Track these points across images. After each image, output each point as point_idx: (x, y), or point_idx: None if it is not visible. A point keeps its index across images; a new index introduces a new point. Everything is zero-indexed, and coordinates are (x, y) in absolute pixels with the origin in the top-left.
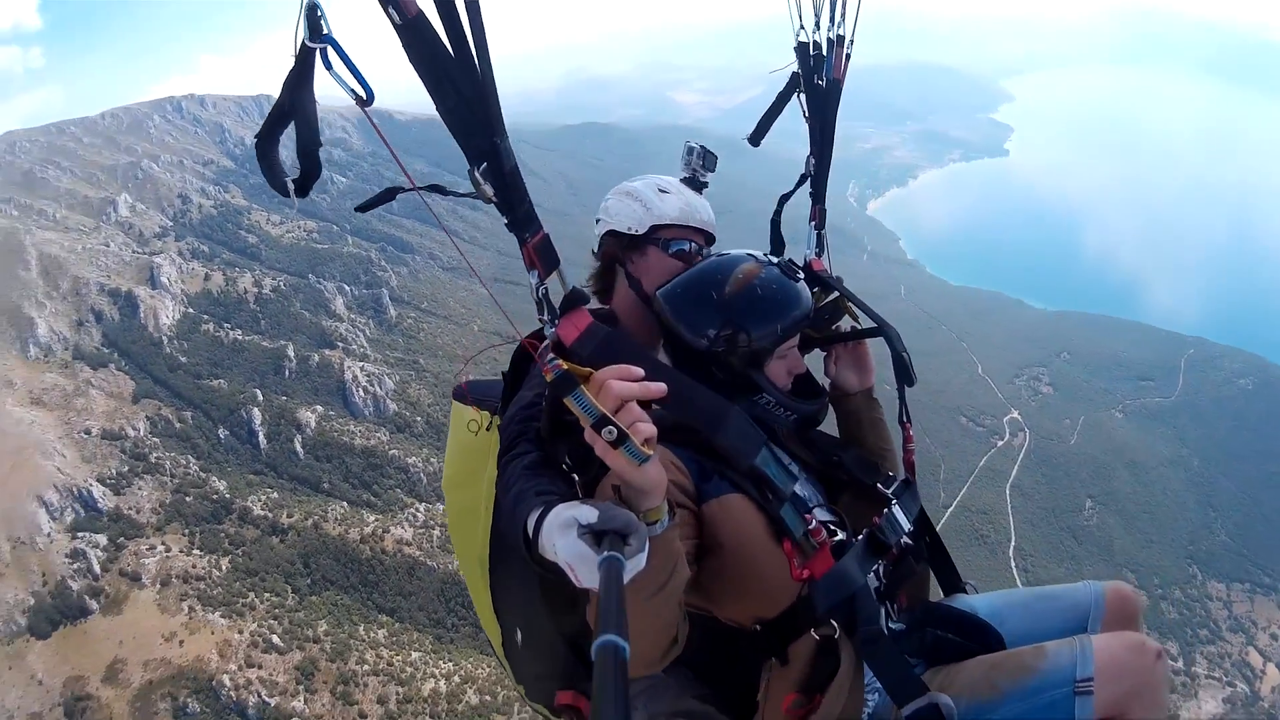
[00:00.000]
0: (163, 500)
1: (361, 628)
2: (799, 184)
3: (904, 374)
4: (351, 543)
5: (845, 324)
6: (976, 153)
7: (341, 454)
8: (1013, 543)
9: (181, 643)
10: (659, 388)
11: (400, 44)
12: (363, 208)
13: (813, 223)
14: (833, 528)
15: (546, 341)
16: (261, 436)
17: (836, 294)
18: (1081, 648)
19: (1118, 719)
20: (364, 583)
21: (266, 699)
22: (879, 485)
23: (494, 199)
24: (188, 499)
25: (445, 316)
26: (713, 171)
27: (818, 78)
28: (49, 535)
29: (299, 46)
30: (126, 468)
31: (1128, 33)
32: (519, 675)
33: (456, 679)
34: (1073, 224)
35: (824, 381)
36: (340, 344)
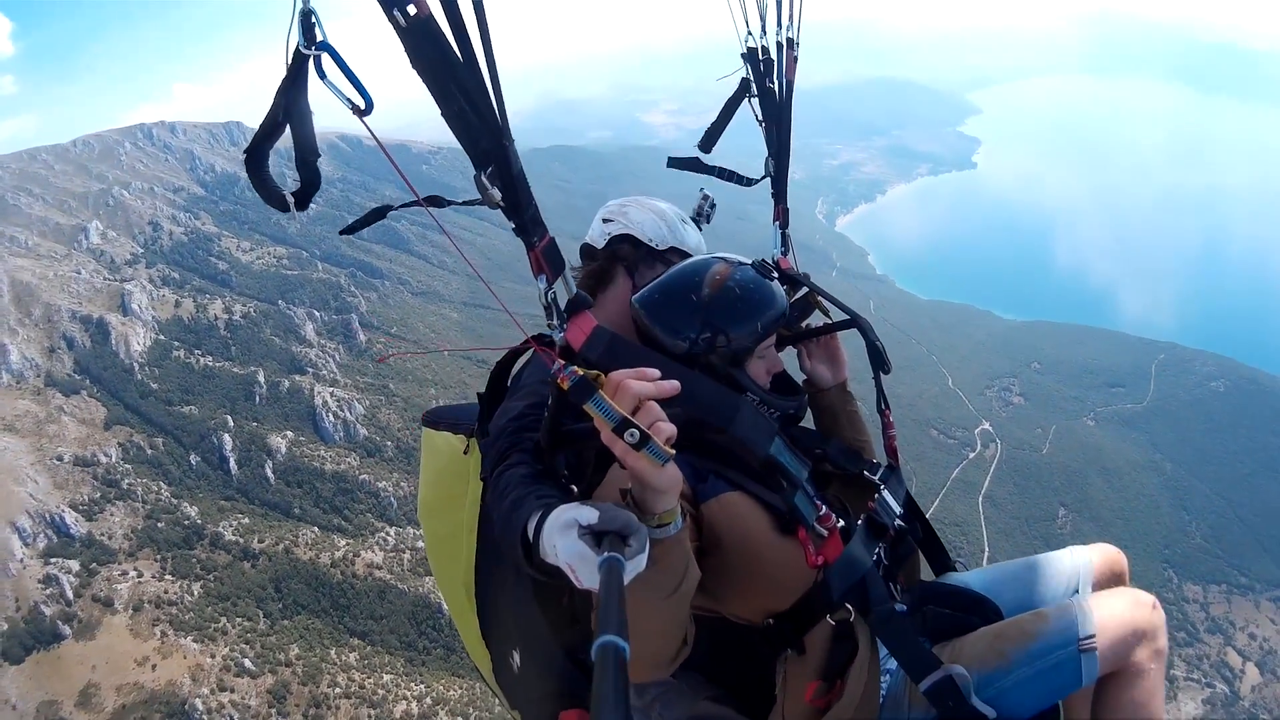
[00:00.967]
0: (135, 526)
1: (333, 651)
2: (752, 182)
3: (880, 362)
4: (323, 567)
5: (815, 320)
6: (944, 166)
7: (312, 479)
8: (986, 554)
9: (154, 667)
10: (673, 385)
11: (404, 48)
12: (350, 229)
13: (777, 222)
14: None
15: (556, 347)
16: (232, 462)
17: (806, 290)
18: (1080, 608)
19: (1124, 670)
20: (335, 606)
21: None
22: (865, 472)
23: (500, 203)
24: (159, 525)
25: (415, 341)
26: (709, 221)
27: (769, 81)
28: (22, 561)
29: (292, 54)
30: (99, 494)
31: (1094, 42)
32: (514, 701)
33: (429, 701)
34: (1042, 234)
35: (799, 378)
36: (310, 369)
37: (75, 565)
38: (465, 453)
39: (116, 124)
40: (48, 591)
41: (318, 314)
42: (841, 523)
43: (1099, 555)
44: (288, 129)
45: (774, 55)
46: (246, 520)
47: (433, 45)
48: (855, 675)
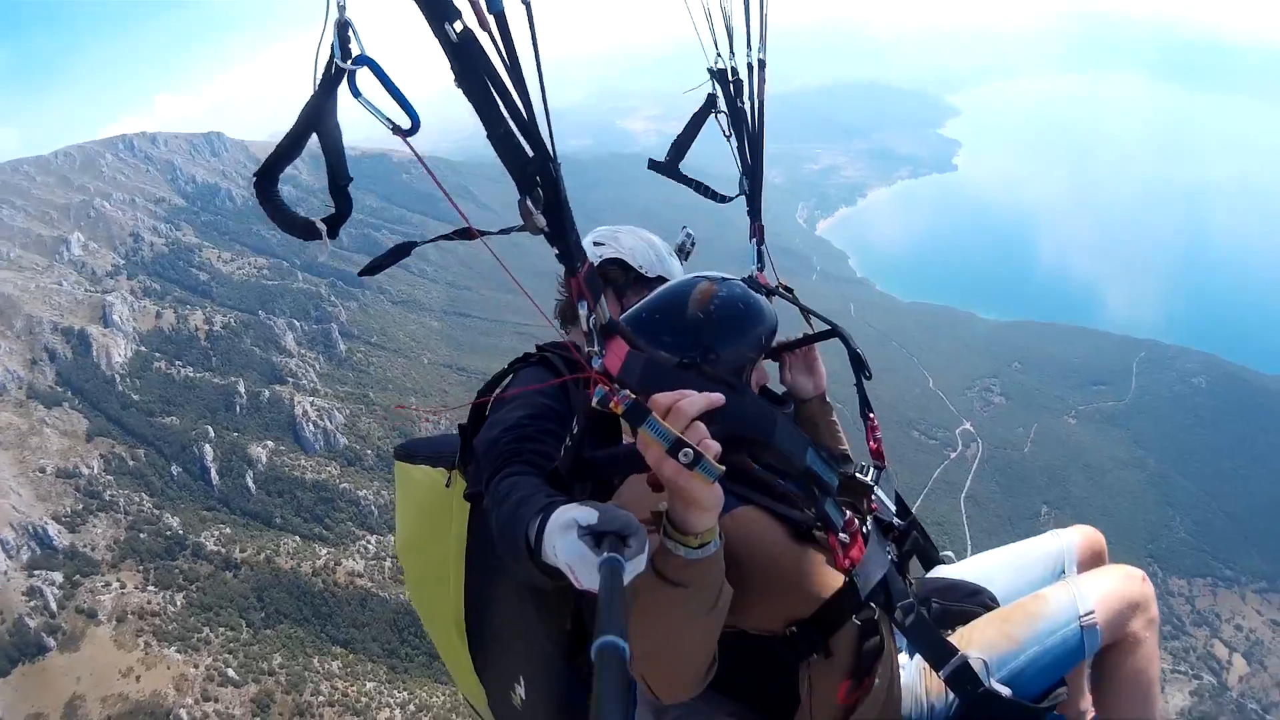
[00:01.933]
0: (117, 537)
1: (316, 659)
2: (727, 199)
3: (861, 368)
4: (304, 576)
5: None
6: (925, 168)
7: (293, 488)
8: (969, 553)
9: (139, 678)
10: (719, 397)
11: (453, 65)
12: (371, 270)
13: (753, 239)
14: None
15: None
16: (213, 473)
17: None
18: (1077, 587)
19: (1121, 640)
20: (317, 615)
21: None
22: (856, 475)
23: (545, 229)
24: (142, 535)
25: (395, 350)
26: (686, 260)
27: (739, 101)
28: (5, 573)
29: (325, 68)
30: (81, 505)
31: (1073, 40)
32: None
33: (412, 708)
34: (1024, 234)
35: (779, 390)
36: (290, 379)
37: (59, 577)
38: (448, 485)
39: (98, 135)
40: (32, 604)
41: (298, 324)
42: (864, 526)
43: (1079, 536)
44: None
45: (744, 76)
46: (228, 530)
47: (482, 62)
48: (884, 670)
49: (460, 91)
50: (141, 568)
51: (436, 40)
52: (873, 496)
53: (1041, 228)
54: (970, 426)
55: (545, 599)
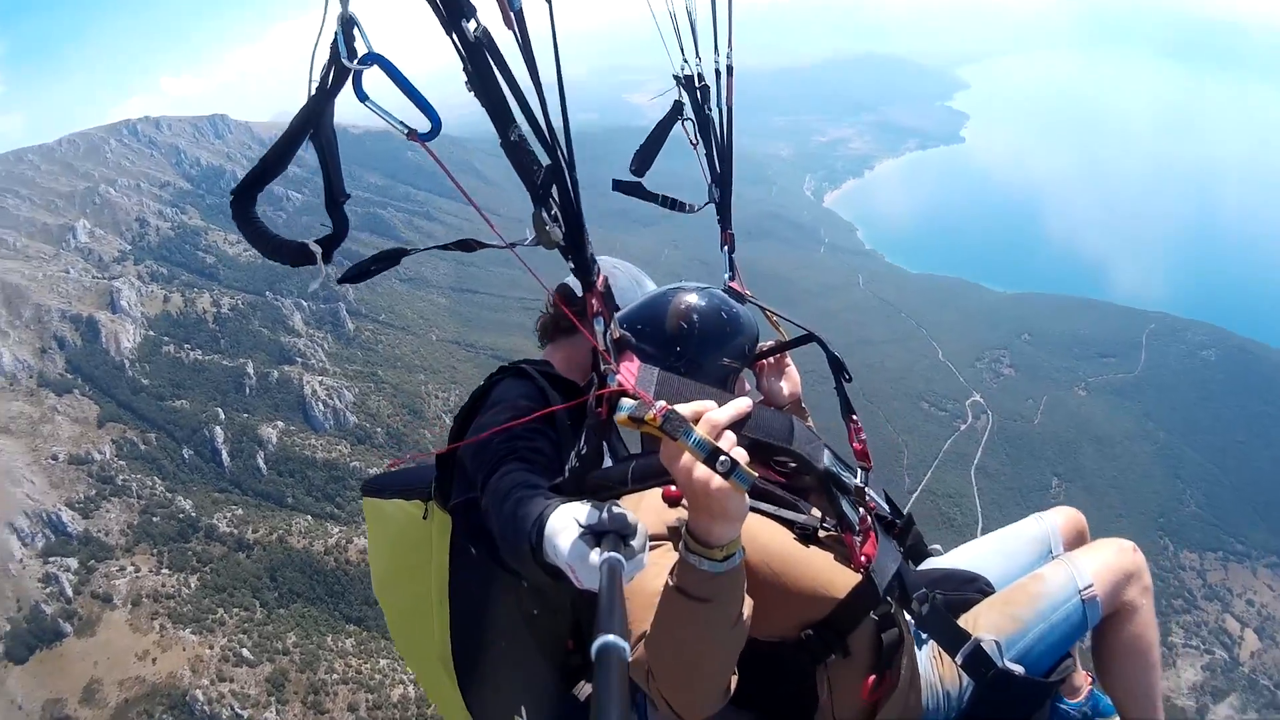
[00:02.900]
0: (131, 522)
1: (330, 638)
2: (696, 208)
3: (840, 371)
4: (316, 555)
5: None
6: (933, 141)
7: (304, 468)
8: (980, 525)
9: (155, 660)
10: (746, 403)
11: (466, 68)
12: (353, 278)
13: (725, 248)
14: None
15: (599, 389)
16: (225, 454)
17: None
18: (1074, 563)
19: (1120, 609)
20: (330, 593)
21: (240, 711)
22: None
23: (561, 243)
24: (155, 519)
25: (403, 328)
26: None
27: (707, 107)
28: (21, 561)
29: (326, 68)
30: (94, 491)
31: (1084, 16)
32: None
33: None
34: (1032, 207)
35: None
36: (299, 359)
37: (74, 563)
38: (425, 518)
39: (103, 121)
40: (48, 590)
41: (305, 304)
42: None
43: (1062, 518)
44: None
45: (711, 82)
46: (240, 511)
47: (497, 65)
48: (906, 662)
49: (461, 88)
50: (155, 551)
51: (452, 39)
52: (869, 496)
53: (1049, 201)
54: (980, 398)
55: (540, 624)
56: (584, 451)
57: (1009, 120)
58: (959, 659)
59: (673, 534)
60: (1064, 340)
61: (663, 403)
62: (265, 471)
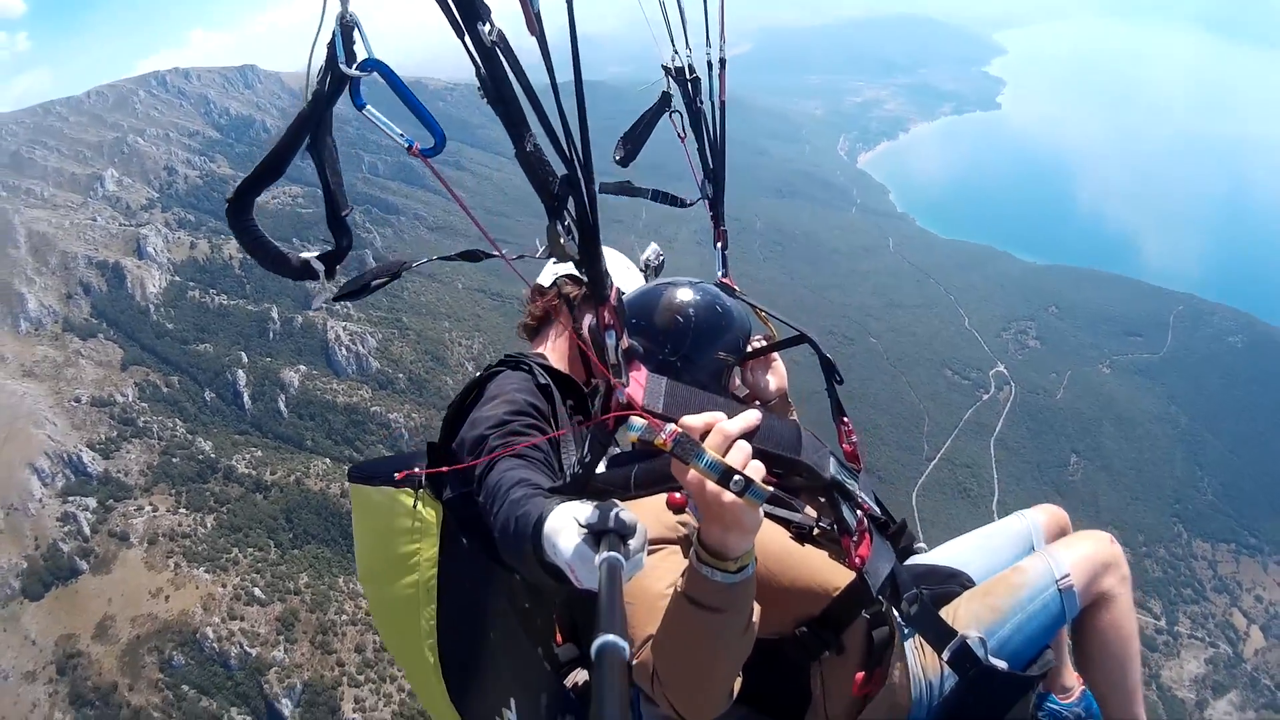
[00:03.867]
0: (150, 462)
1: (341, 579)
2: (688, 203)
3: (831, 373)
4: (332, 498)
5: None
6: (969, 106)
7: (324, 412)
8: (995, 497)
9: (168, 598)
10: (756, 416)
11: (480, 74)
12: (350, 295)
13: (718, 244)
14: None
15: (605, 401)
16: (246, 397)
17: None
18: (1051, 554)
19: (1098, 599)
20: (344, 535)
21: (248, 649)
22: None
23: (576, 256)
24: (174, 460)
25: (430, 275)
26: (657, 274)
27: (698, 100)
28: (40, 501)
29: (322, 74)
30: (115, 433)
31: None
32: None
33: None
34: (1065, 178)
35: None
36: (324, 305)
37: (92, 503)
38: (414, 506)
39: (131, 73)
40: (66, 529)
41: None
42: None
43: (1045, 515)
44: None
45: (702, 74)
46: (259, 453)
47: (515, 71)
48: (897, 659)
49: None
50: (174, 491)
51: (465, 45)
52: (861, 498)
53: (1082, 172)
54: (1004, 369)
55: (532, 617)
56: (587, 459)
57: (1045, 88)
58: (945, 655)
59: (680, 540)
60: (1091, 315)
61: (672, 427)
62: (286, 414)
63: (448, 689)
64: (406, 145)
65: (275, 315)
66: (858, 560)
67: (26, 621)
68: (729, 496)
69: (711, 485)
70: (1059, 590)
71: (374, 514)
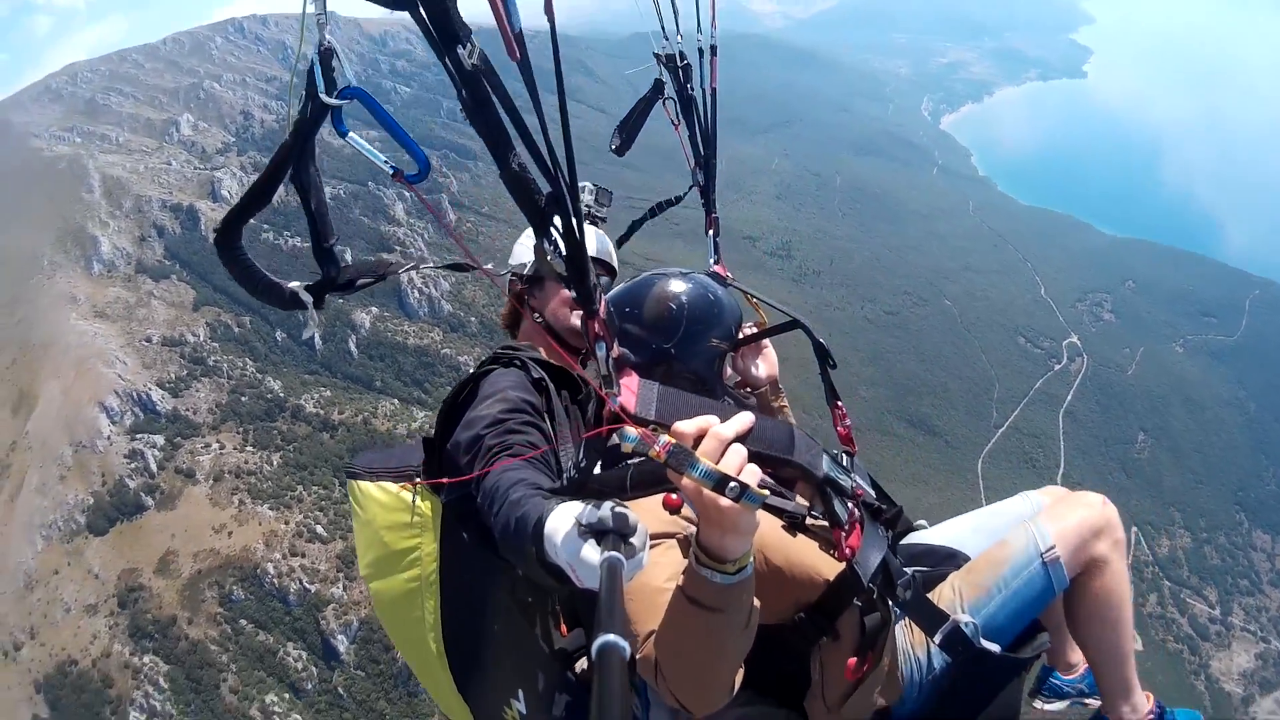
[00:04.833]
0: (219, 401)
1: None
2: (679, 198)
3: (825, 358)
4: (399, 438)
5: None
6: (1054, 73)
7: (394, 353)
8: (1061, 469)
9: (230, 534)
10: (749, 418)
11: (462, 95)
12: (341, 285)
13: (710, 232)
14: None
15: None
16: (317, 338)
17: (742, 294)
18: (1036, 526)
19: (1089, 565)
20: None
21: (307, 586)
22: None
23: (563, 274)
24: (243, 399)
25: (505, 220)
26: (608, 207)
27: (690, 87)
28: (109, 438)
29: (303, 104)
30: (185, 372)
31: None
32: None
33: None
34: (1149, 153)
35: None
36: (398, 248)
37: (160, 440)
38: (414, 500)
39: (208, 20)
40: (132, 466)
41: (408, 195)
42: (859, 513)
43: (1050, 498)
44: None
45: (694, 61)
46: (328, 393)
47: (495, 92)
48: (889, 644)
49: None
50: (241, 429)
51: (447, 66)
52: (855, 481)
53: (1168, 148)
54: (1077, 340)
55: (534, 609)
56: (583, 463)
57: (1133, 60)
58: (937, 639)
59: (680, 535)
60: (1168, 293)
61: (666, 438)
62: (356, 355)
63: (455, 680)
64: (390, 171)
65: (350, 257)
66: (848, 551)
67: (90, 556)
68: (725, 502)
69: (708, 491)
70: (1044, 563)
71: (376, 510)
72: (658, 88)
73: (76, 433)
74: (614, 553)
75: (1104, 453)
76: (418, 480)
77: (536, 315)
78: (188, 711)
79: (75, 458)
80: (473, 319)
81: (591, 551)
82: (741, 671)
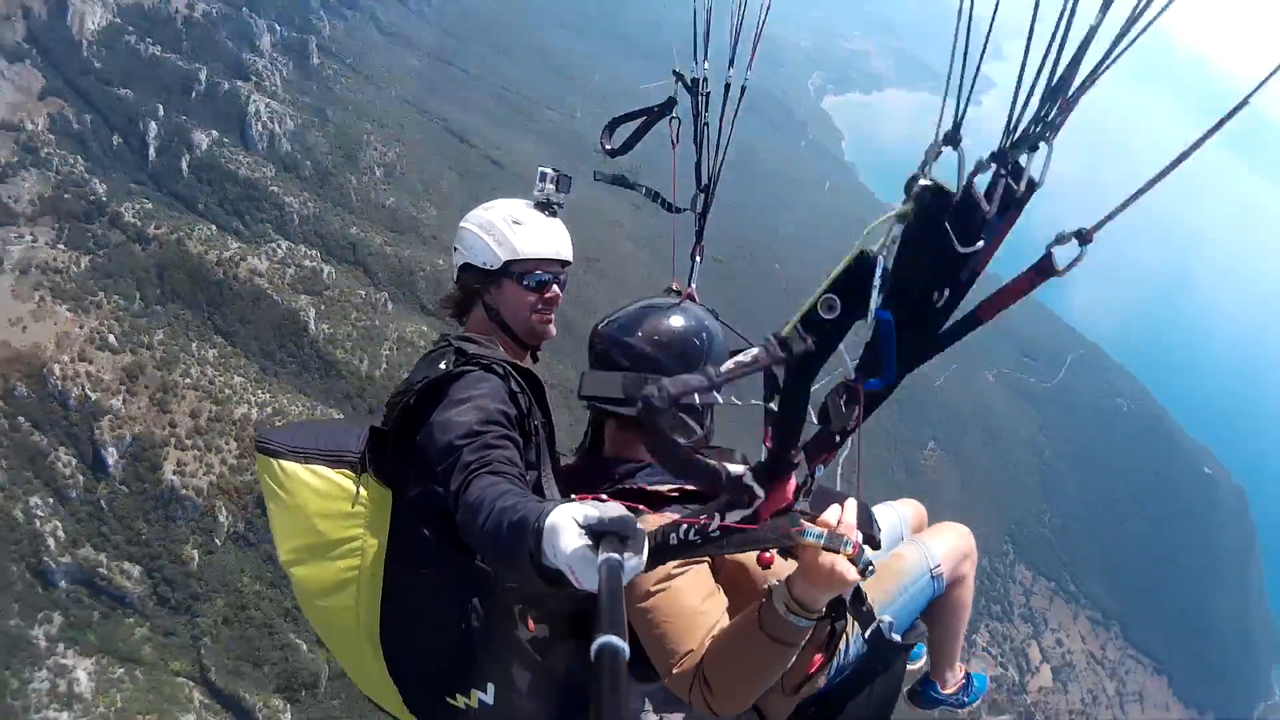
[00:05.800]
0: (43, 194)
1: (195, 344)
2: (678, 210)
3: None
4: (209, 264)
5: None
6: (951, 91)
7: (224, 180)
8: (844, 452)
9: (25, 329)
10: (854, 503)
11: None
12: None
13: (695, 257)
14: None
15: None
16: (152, 150)
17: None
18: (925, 545)
19: (956, 579)
20: (210, 302)
21: (89, 393)
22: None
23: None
24: (66, 196)
25: (367, 77)
26: (567, 194)
27: (706, 113)
28: None
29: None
30: (16, 159)
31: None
32: None
33: (269, 410)
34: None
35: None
36: (254, 78)
37: None
38: (359, 491)
39: None
40: None
41: (279, 28)
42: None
43: (910, 510)
44: None
45: (716, 93)
46: (150, 206)
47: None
48: (842, 641)
49: None
50: (57, 225)
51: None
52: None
53: (1042, 194)
54: None
55: (504, 605)
56: (715, 534)
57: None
58: (866, 635)
59: (768, 594)
60: (998, 325)
61: (858, 536)
62: (186, 174)
63: (389, 668)
64: (850, 380)
65: (203, 77)
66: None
67: None
68: (853, 574)
69: (841, 565)
70: (931, 576)
71: (304, 495)
72: (669, 105)
73: None
74: (613, 554)
75: (891, 449)
76: (365, 473)
77: (493, 310)
78: None
79: None
80: (308, 163)
81: (591, 553)
82: None
